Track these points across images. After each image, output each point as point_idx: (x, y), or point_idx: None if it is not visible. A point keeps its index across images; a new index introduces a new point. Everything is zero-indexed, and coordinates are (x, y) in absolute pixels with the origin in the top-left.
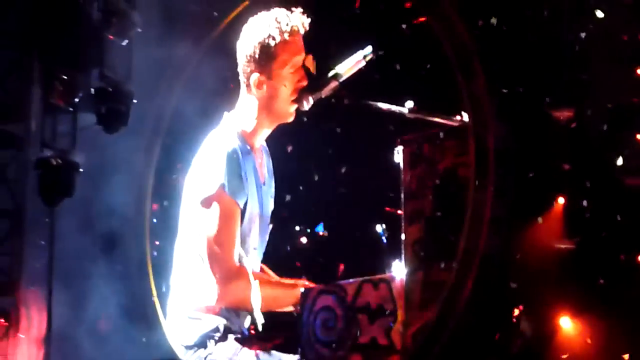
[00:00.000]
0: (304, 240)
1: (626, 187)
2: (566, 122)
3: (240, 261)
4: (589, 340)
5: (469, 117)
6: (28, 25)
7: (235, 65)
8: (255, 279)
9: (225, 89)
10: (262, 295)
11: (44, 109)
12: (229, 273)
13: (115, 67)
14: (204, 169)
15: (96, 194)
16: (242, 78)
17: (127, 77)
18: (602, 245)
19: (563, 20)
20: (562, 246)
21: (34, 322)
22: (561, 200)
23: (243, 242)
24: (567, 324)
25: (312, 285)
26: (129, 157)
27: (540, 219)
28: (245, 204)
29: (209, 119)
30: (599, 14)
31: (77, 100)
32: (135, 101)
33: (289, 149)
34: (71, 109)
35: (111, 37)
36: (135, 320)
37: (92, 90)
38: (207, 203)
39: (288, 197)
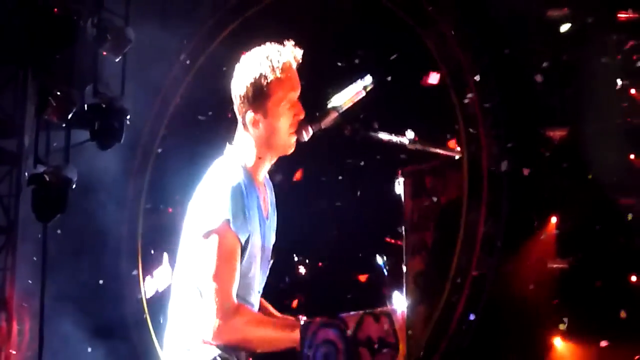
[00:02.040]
0: (302, 271)
1: (620, 207)
2: (560, 142)
3: (240, 298)
4: None
5: (463, 138)
6: (23, 41)
7: (229, 95)
8: (253, 316)
9: (220, 115)
10: (261, 336)
11: (38, 125)
12: (228, 310)
13: (108, 84)
14: (208, 200)
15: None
16: (238, 117)
17: (121, 93)
18: (596, 265)
19: (558, 40)
20: (555, 266)
21: (26, 337)
22: (554, 220)
23: (244, 278)
24: (559, 344)
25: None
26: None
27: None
28: (247, 240)
29: (205, 147)
30: (564, 28)
31: (70, 116)
32: (129, 117)
33: (289, 178)
34: (65, 125)
35: (105, 53)
36: (128, 341)
37: (86, 106)
38: (209, 236)
39: (287, 228)
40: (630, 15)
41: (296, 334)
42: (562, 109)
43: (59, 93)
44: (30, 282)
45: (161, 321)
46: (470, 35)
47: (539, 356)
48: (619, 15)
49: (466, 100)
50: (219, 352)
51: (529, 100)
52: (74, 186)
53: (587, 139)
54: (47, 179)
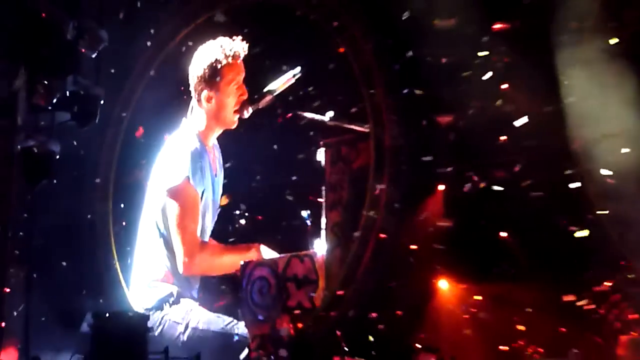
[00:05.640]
0: (242, 222)
1: (494, 177)
2: (447, 126)
3: (201, 237)
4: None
5: (370, 122)
6: (16, 40)
7: (187, 80)
8: (215, 248)
9: (180, 96)
10: (223, 262)
11: (28, 108)
12: (194, 248)
13: (86, 75)
14: (171, 163)
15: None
16: (194, 94)
17: (96, 82)
18: (474, 224)
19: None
20: (442, 224)
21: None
22: (441, 187)
23: (199, 224)
24: (444, 286)
25: (263, 247)
26: (98, 148)
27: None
28: (203, 192)
29: (168, 121)
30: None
31: (54, 101)
32: (102, 102)
33: (238, 153)
34: (50, 108)
35: (83, 50)
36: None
37: (67, 93)
38: (174, 192)
39: (233, 188)
40: (503, 26)
41: (251, 254)
42: (451, 98)
43: (45, 82)
44: (20, 233)
45: (128, 262)
46: (377, 40)
47: (428, 297)
48: (494, 26)
49: (373, 92)
50: (175, 288)
51: (423, 93)
52: (57, 157)
53: (468, 122)
54: (36, 151)
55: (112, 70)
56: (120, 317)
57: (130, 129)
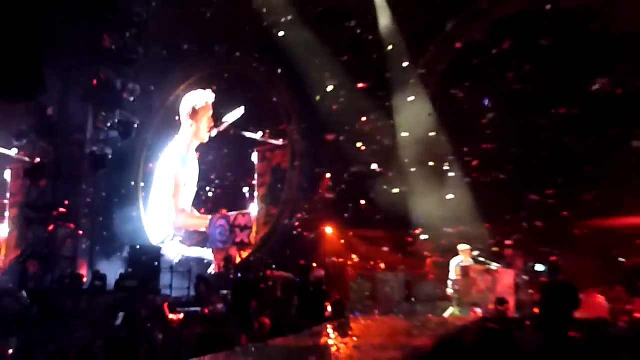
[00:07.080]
0: (210, 194)
1: (364, 172)
2: (332, 141)
3: (182, 205)
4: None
5: (289, 139)
6: (85, 90)
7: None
8: (188, 214)
9: (176, 123)
10: (192, 222)
11: (94, 128)
12: (178, 210)
13: (127, 110)
14: (169, 163)
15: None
16: (183, 122)
17: (132, 114)
18: (347, 197)
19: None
20: (329, 196)
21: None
22: (328, 175)
23: (185, 197)
24: (329, 231)
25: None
26: (132, 151)
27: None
28: (187, 180)
29: (170, 135)
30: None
31: (109, 124)
32: (136, 126)
33: (208, 156)
34: (106, 129)
35: (125, 96)
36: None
37: (116, 120)
38: (170, 178)
39: (205, 177)
40: (364, 85)
41: (206, 222)
42: (332, 127)
43: (103, 114)
44: (88, 200)
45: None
46: (291, 94)
47: (318, 237)
48: (358, 85)
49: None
50: (172, 230)
51: (318, 128)
52: (110, 156)
53: (344, 139)
54: (97, 153)
55: (142, 108)
56: (145, 248)
57: (150, 142)
